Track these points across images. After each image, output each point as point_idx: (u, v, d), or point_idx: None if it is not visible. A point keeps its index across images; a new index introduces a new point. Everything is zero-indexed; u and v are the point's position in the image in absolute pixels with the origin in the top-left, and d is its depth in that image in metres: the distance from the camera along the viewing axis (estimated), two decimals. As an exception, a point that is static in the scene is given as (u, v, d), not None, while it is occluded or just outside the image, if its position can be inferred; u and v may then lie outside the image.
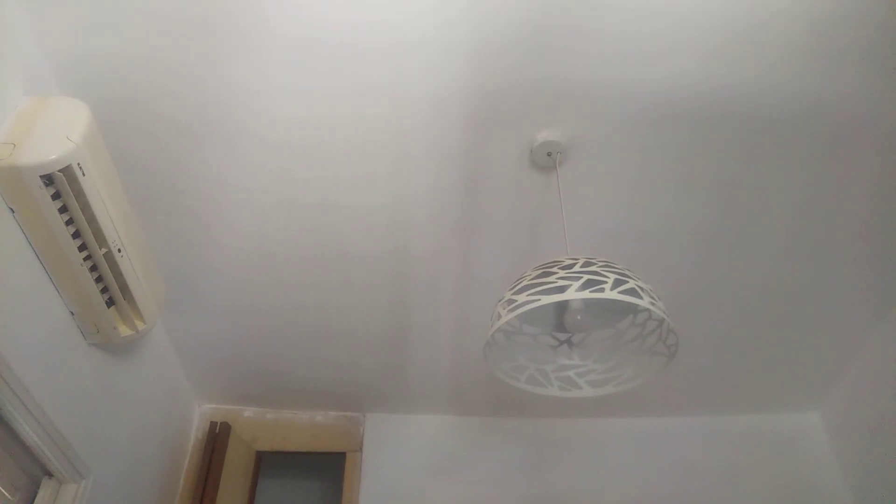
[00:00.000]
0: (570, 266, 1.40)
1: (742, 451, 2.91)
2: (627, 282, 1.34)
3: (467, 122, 1.78)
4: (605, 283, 1.32)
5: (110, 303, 1.72)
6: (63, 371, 1.71)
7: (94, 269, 1.61)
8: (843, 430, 2.85)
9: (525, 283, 1.42)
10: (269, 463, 3.15)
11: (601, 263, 1.40)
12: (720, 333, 2.55)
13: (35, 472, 1.77)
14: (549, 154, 1.82)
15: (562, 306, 1.56)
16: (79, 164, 1.42)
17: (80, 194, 1.46)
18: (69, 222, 1.49)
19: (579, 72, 1.66)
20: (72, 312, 1.70)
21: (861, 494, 2.72)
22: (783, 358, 2.70)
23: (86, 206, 1.49)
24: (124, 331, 1.80)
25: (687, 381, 2.76)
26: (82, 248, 1.55)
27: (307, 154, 1.85)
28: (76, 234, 1.52)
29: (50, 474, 1.80)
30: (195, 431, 2.82)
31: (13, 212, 1.43)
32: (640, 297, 1.31)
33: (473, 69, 1.66)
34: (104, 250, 1.59)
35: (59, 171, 1.39)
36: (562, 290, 1.33)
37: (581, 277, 1.34)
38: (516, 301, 1.38)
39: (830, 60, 1.66)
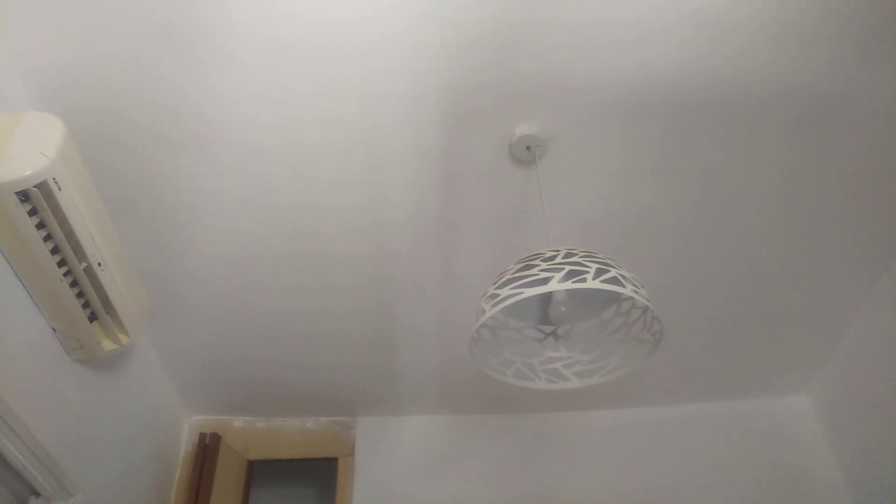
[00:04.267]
0: (552, 258, 1.40)
1: (733, 437, 2.93)
2: (609, 271, 1.34)
3: (443, 118, 1.78)
4: (588, 273, 1.33)
5: (93, 317, 1.71)
6: (47, 388, 1.70)
7: (74, 284, 1.60)
8: (833, 411, 2.87)
9: (508, 276, 1.42)
10: (262, 471, 3.13)
11: (583, 254, 1.40)
12: (706, 320, 2.57)
13: (22, 492, 1.75)
14: (528, 148, 1.83)
15: (545, 299, 1.57)
16: (54, 178, 1.41)
17: (56, 209, 1.45)
18: (47, 238, 1.48)
19: (553, 63, 1.67)
20: (53, 329, 1.68)
21: (853, 475, 2.74)
22: (770, 342, 2.72)
23: (63, 221, 1.48)
24: (108, 345, 1.79)
25: (675, 369, 2.78)
26: (62, 263, 1.54)
27: (283, 157, 1.84)
28: (55, 250, 1.51)
29: (37, 493, 1.78)
30: (185, 443, 2.79)
31: (-11, 229, 1.41)
32: (623, 286, 1.32)
33: (445, 66, 1.66)
34: (84, 265, 1.58)
35: (35, 186, 1.38)
36: (544, 282, 1.34)
37: (563, 268, 1.35)
38: (500, 295, 1.38)
39: (801, 42, 1.67)
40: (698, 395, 2.98)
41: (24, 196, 1.38)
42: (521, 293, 1.34)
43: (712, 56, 1.68)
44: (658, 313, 1.40)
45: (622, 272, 1.37)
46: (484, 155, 1.88)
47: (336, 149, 1.84)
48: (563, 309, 1.50)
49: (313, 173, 1.89)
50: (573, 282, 1.31)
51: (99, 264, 1.61)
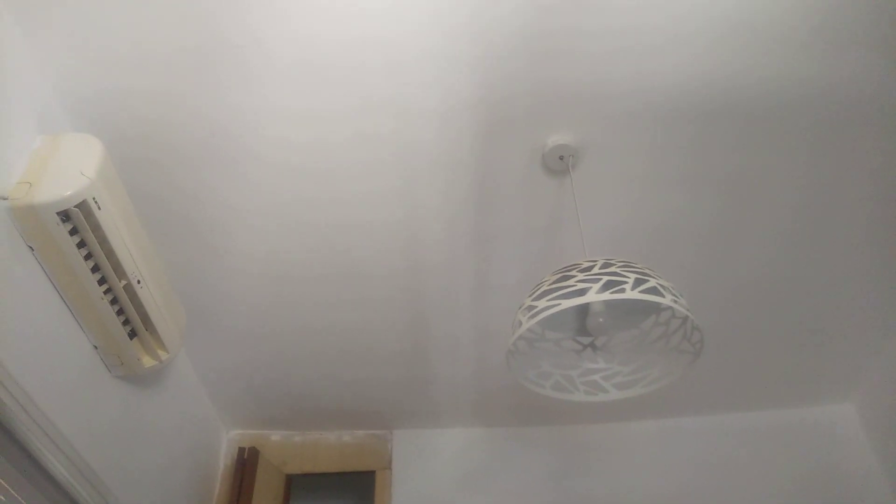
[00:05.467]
0: (589, 268, 1.38)
1: (778, 446, 2.87)
2: (648, 280, 1.32)
3: (476, 131, 1.77)
4: (626, 283, 1.31)
5: (132, 334, 1.73)
6: (89, 405, 1.72)
7: (114, 301, 1.62)
8: (879, 419, 2.80)
9: (544, 288, 1.41)
10: (300, 485, 3.14)
11: (620, 264, 1.38)
12: (747, 328, 2.52)
13: (67, 508, 1.77)
14: (560, 158, 1.81)
15: (583, 310, 1.55)
16: (94, 198, 1.43)
17: (97, 228, 1.47)
18: (88, 257, 1.50)
19: (583, 72, 1.66)
20: (95, 346, 1.71)
21: (901, 483, 2.67)
22: (812, 350, 2.66)
23: (103, 240, 1.50)
24: (148, 361, 1.81)
25: (716, 379, 2.73)
26: (102, 281, 1.56)
27: (315, 175, 1.86)
28: (95, 268, 1.53)
29: (82, 509, 1.81)
30: (224, 458, 2.82)
31: (32, 250, 1.44)
32: (662, 296, 1.30)
33: (478, 79, 1.66)
34: (124, 282, 1.60)
35: (75, 206, 1.40)
36: (582, 293, 1.32)
37: (601, 279, 1.33)
38: (537, 307, 1.36)
39: (828, 44, 1.64)
40: (741, 405, 2.93)
41: (65, 216, 1.40)
42: (559, 304, 1.32)
43: (740, 60, 1.66)
44: (698, 323, 1.38)
45: (661, 282, 1.35)
46: (517, 166, 1.87)
47: (370, 165, 1.85)
48: (601, 320, 1.48)
49: (348, 190, 1.90)
50: (611, 292, 1.30)
51: (138, 282, 1.63)
